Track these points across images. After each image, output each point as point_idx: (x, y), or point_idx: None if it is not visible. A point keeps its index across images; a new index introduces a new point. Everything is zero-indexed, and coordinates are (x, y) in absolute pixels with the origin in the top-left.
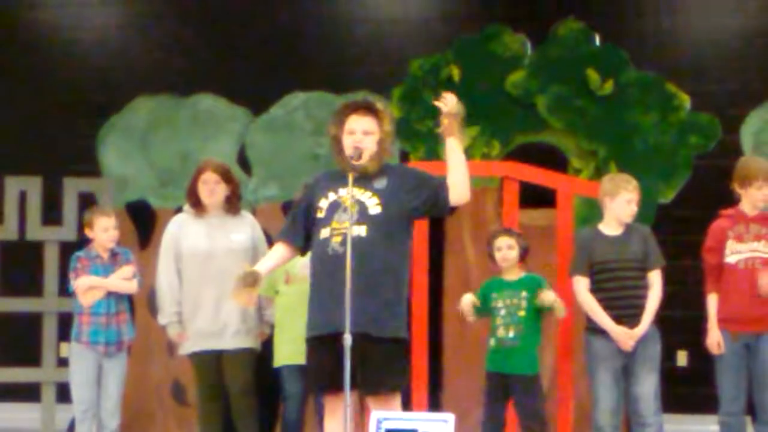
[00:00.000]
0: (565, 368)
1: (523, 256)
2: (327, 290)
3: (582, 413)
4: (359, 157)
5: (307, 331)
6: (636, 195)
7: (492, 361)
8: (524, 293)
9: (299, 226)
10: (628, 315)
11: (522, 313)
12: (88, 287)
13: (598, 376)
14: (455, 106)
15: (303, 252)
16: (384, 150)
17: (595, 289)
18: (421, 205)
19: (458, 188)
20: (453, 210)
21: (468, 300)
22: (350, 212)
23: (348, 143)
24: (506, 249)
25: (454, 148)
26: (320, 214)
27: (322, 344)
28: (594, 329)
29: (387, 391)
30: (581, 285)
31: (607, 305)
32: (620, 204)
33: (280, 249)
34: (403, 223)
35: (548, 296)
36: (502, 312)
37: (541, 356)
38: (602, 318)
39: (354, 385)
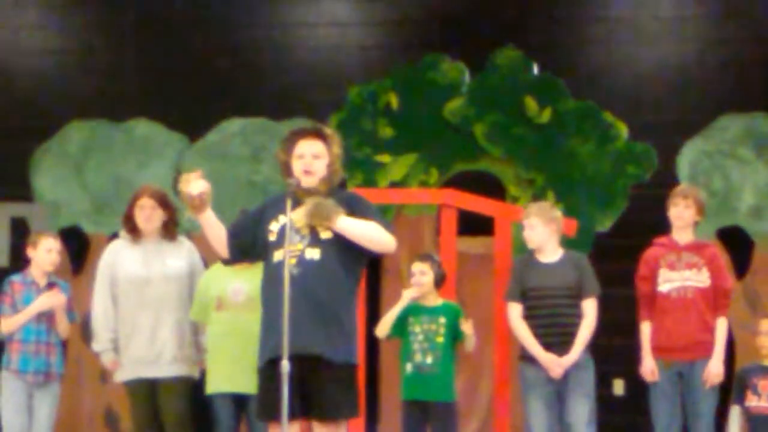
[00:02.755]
0: (502, 396)
1: (439, 283)
2: (281, 313)
3: None
4: (299, 182)
5: (260, 354)
6: (528, 221)
7: (409, 388)
8: (443, 319)
9: (236, 237)
10: (559, 342)
11: (440, 339)
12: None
13: (530, 404)
14: (306, 214)
15: (227, 261)
16: (334, 172)
17: (527, 316)
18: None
19: (374, 248)
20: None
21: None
22: (299, 234)
23: (298, 167)
24: (419, 275)
25: (342, 231)
26: (272, 237)
27: (273, 369)
28: (526, 357)
29: (339, 418)
30: (514, 312)
31: (538, 332)
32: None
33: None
34: (354, 249)
35: (468, 327)
36: (420, 337)
37: (478, 384)
38: (532, 345)
39: (304, 413)
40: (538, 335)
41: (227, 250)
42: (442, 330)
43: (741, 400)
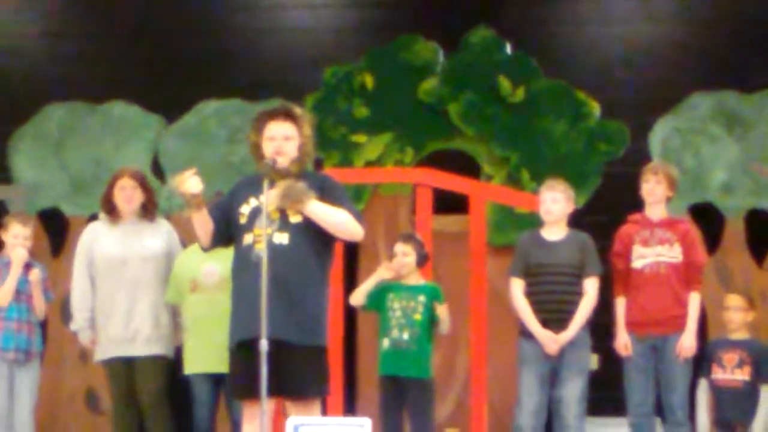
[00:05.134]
0: (479, 373)
1: (421, 263)
2: (249, 297)
3: (497, 419)
4: (275, 162)
5: (230, 336)
6: (552, 194)
7: (385, 363)
8: (422, 297)
9: (217, 224)
10: (556, 319)
11: (418, 316)
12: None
13: (523, 378)
14: (278, 196)
15: (206, 248)
16: (305, 154)
17: (528, 292)
18: None
19: (341, 235)
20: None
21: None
22: (269, 218)
23: (269, 149)
24: (401, 255)
25: (312, 215)
26: (242, 220)
27: (244, 350)
28: (526, 332)
29: (309, 397)
30: (516, 287)
31: (538, 309)
32: (540, 205)
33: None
34: (323, 234)
35: (442, 311)
36: (398, 313)
37: (455, 361)
38: (530, 321)
39: (275, 392)
40: (538, 311)
41: (209, 239)
42: (421, 308)
43: (708, 372)
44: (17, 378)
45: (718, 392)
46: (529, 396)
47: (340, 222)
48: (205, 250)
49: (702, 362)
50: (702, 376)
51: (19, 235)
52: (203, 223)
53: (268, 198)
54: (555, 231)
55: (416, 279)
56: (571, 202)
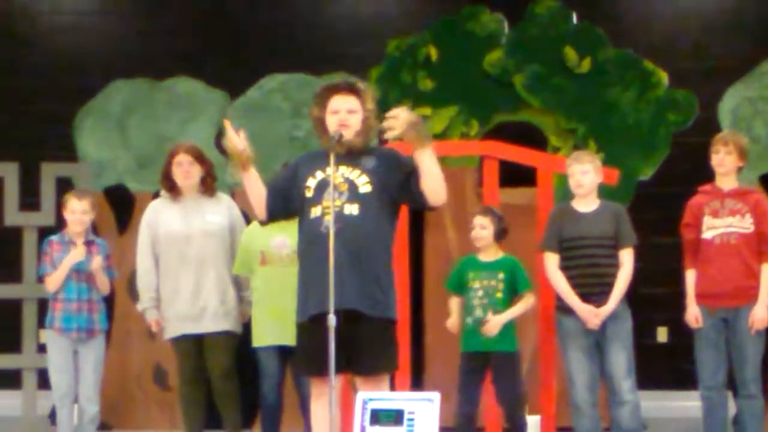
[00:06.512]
0: (547, 346)
1: (499, 237)
2: (322, 270)
3: (566, 391)
4: (341, 136)
5: (298, 312)
6: (581, 167)
7: (469, 340)
8: (501, 275)
9: (272, 196)
10: (596, 293)
11: (499, 294)
12: (59, 276)
13: (569, 355)
14: (407, 119)
15: (264, 222)
16: (369, 127)
17: (564, 266)
18: (403, 195)
19: (434, 194)
20: (433, 209)
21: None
22: (337, 190)
23: (333, 122)
24: (479, 228)
25: (423, 158)
26: (309, 194)
27: (315, 325)
28: (564, 307)
29: (380, 373)
30: (551, 261)
31: (575, 282)
32: (570, 178)
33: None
34: (392, 204)
35: (522, 307)
36: (480, 293)
37: (523, 333)
38: (569, 296)
39: (346, 367)
40: (576, 285)
41: (264, 210)
42: (501, 286)
43: None
44: (81, 355)
45: None
46: (580, 371)
47: (440, 175)
48: (263, 223)
49: None
50: None
51: (76, 210)
52: (254, 187)
53: (398, 116)
54: (586, 202)
55: (495, 254)
56: (600, 172)
